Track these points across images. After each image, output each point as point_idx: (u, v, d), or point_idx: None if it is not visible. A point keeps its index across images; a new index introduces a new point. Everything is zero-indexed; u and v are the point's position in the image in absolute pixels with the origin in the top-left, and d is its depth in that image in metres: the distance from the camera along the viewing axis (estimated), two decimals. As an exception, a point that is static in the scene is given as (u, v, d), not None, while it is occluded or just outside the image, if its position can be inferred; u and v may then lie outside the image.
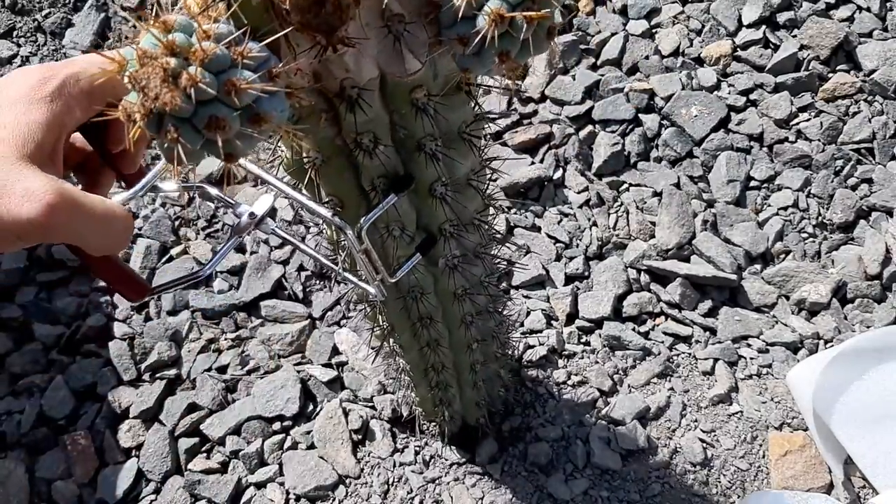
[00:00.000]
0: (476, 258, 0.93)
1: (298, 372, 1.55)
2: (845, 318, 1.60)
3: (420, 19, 0.57)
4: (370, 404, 1.53)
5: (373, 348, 1.53)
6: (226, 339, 1.62)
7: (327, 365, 1.58)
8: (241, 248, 1.71)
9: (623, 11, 1.96)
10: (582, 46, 1.92)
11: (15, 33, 1.94)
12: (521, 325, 1.59)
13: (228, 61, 0.44)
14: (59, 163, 0.53)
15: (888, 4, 1.92)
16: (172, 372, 1.57)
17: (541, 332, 1.58)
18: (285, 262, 1.68)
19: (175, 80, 0.43)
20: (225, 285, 1.67)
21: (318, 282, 1.68)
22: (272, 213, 0.66)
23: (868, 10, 1.91)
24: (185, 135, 0.44)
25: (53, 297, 1.67)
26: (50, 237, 0.49)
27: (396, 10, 0.56)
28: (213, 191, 0.69)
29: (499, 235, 0.98)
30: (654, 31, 1.94)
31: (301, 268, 1.68)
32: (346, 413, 1.50)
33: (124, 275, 0.60)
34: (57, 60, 1.90)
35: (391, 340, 1.10)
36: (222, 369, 1.58)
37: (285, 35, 0.51)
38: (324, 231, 0.87)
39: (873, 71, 1.82)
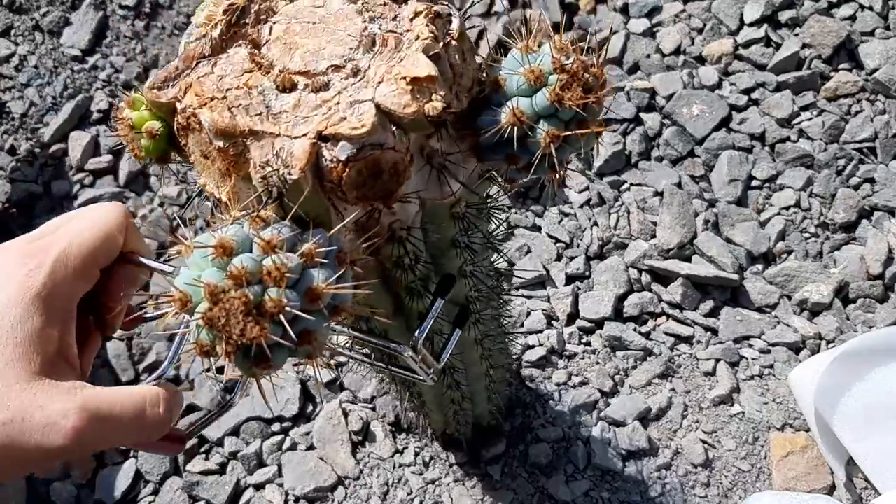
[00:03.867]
0: (490, 301, 0.92)
1: (298, 373, 1.55)
2: (847, 318, 1.59)
3: (457, 146, 0.54)
4: (370, 405, 1.52)
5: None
6: (225, 340, 1.61)
7: (326, 365, 1.57)
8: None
9: (624, 10, 1.95)
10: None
11: (13, 32, 1.93)
12: (522, 325, 1.59)
13: (300, 268, 0.41)
14: (74, 356, 0.49)
15: (890, 3, 1.91)
16: (170, 373, 1.56)
17: (541, 332, 1.58)
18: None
19: (259, 310, 0.39)
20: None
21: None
22: None
23: (870, 8, 1.90)
24: (277, 358, 0.41)
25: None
26: (84, 452, 0.46)
27: (435, 147, 0.53)
28: None
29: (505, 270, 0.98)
30: (655, 29, 1.93)
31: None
32: (345, 414, 1.50)
33: (159, 443, 0.55)
34: (55, 61, 1.89)
35: (409, 396, 1.09)
36: (221, 370, 1.58)
37: (333, 204, 0.48)
38: None
39: (875, 70, 1.81)
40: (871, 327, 1.57)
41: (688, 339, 1.57)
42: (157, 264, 0.54)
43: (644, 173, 1.77)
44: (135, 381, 1.56)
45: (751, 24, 1.89)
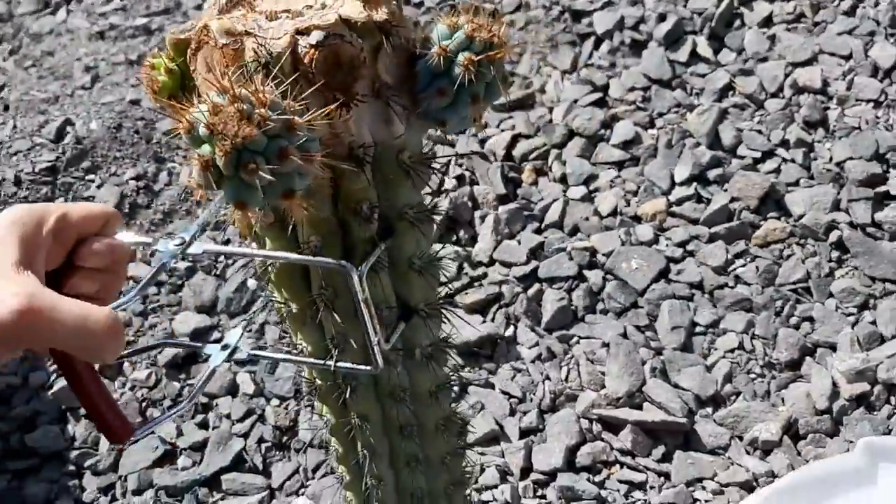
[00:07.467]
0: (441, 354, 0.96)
1: None
2: (799, 454, 1.61)
3: (400, 87, 0.69)
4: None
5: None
6: (186, 516, 1.64)
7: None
8: (203, 424, 1.76)
9: (563, 180, 2.10)
10: (526, 213, 2.04)
11: None
12: (476, 482, 1.61)
13: (282, 107, 0.55)
14: (40, 271, 0.56)
15: (812, 154, 2.06)
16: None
17: (496, 487, 1.60)
18: (245, 435, 1.72)
19: (249, 119, 0.52)
20: (188, 461, 1.71)
21: (277, 452, 1.72)
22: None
23: (793, 160, 2.04)
24: (260, 161, 0.53)
25: (24, 485, 1.71)
26: (27, 341, 0.51)
27: (385, 80, 0.67)
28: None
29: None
30: (592, 195, 2.07)
31: (261, 440, 1.72)
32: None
33: (112, 409, 0.59)
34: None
35: (369, 477, 1.08)
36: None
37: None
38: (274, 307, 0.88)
39: (802, 216, 1.92)
40: (822, 462, 1.58)
41: (641, 486, 1.59)
42: (135, 237, 0.67)
43: (591, 326, 1.84)
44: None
45: (681, 184, 2.03)
